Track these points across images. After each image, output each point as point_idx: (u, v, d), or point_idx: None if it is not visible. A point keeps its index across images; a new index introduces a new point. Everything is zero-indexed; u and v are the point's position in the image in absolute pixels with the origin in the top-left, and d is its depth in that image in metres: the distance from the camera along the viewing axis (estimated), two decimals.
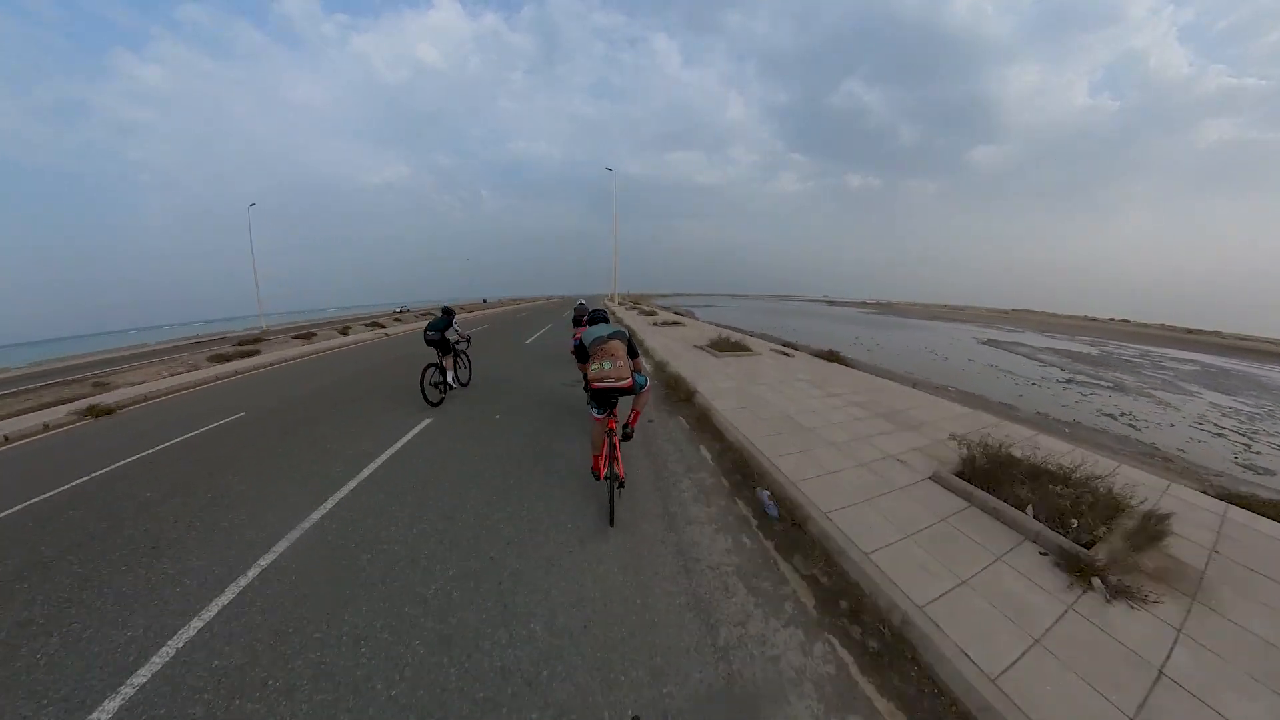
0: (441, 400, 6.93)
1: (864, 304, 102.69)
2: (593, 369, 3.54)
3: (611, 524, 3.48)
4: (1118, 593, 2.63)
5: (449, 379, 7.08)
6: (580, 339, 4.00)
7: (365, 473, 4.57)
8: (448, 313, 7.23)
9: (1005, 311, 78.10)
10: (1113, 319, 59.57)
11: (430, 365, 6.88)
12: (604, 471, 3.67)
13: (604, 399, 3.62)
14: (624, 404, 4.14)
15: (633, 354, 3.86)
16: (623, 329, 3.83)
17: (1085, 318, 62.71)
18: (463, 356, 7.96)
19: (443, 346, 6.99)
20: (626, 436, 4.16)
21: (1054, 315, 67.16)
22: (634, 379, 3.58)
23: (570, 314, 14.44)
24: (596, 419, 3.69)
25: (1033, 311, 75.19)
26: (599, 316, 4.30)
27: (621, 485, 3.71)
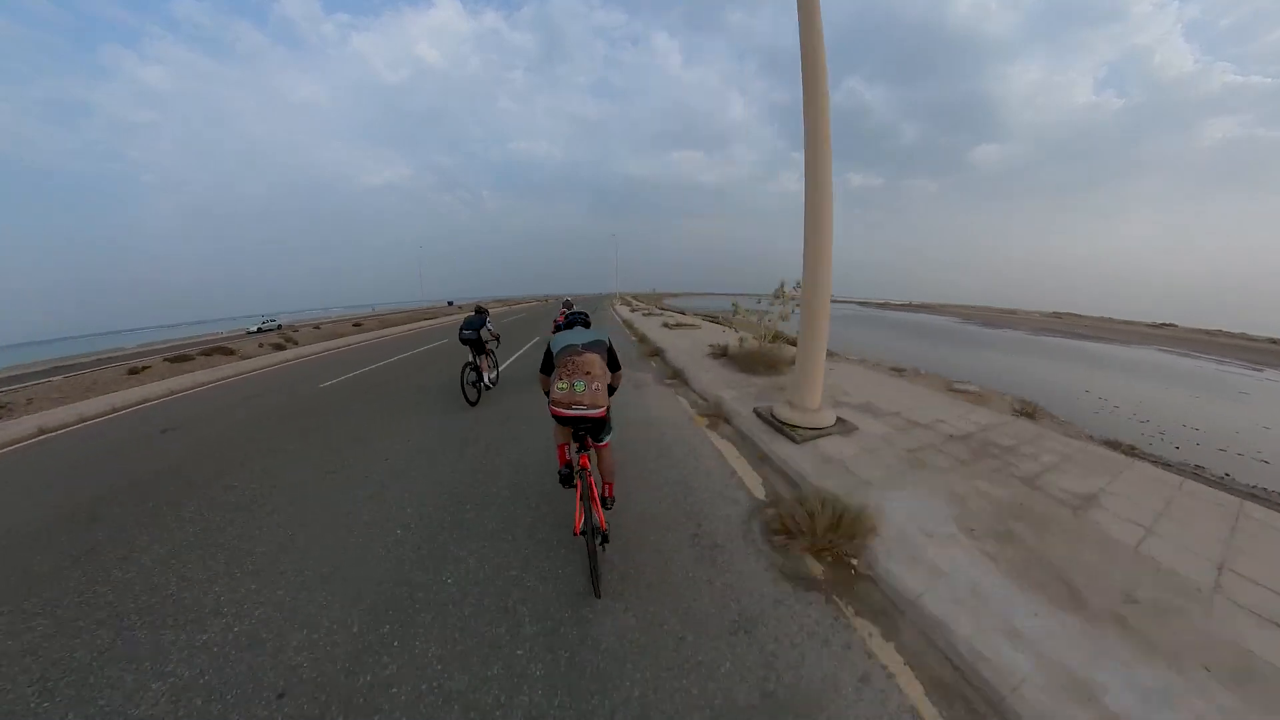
0: (479, 399, 6.87)
1: (909, 306, 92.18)
2: (558, 388, 2.65)
3: (597, 594, 2.50)
4: None
5: (485, 379, 7.19)
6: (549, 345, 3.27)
7: None
8: (481, 311, 7.40)
9: (1059, 315, 70.44)
10: (1164, 324, 53.29)
11: (467, 365, 6.85)
12: (580, 523, 2.56)
13: (575, 429, 2.78)
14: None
15: (613, 365, 2.97)
16: (603, 335, 2.97)
17: (1130, 323, 55.90)
18: (491, 356, 7.74)
19: (477, 346, 7.03)
20: (607, 508, 3.00)
21: (1108, 320, 60.28)
22: (607, 409, 2.75)
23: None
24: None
25: (1081, 316, 68.11)
26: (577, 319, 3.25)
27: (605, 540, 2.67)
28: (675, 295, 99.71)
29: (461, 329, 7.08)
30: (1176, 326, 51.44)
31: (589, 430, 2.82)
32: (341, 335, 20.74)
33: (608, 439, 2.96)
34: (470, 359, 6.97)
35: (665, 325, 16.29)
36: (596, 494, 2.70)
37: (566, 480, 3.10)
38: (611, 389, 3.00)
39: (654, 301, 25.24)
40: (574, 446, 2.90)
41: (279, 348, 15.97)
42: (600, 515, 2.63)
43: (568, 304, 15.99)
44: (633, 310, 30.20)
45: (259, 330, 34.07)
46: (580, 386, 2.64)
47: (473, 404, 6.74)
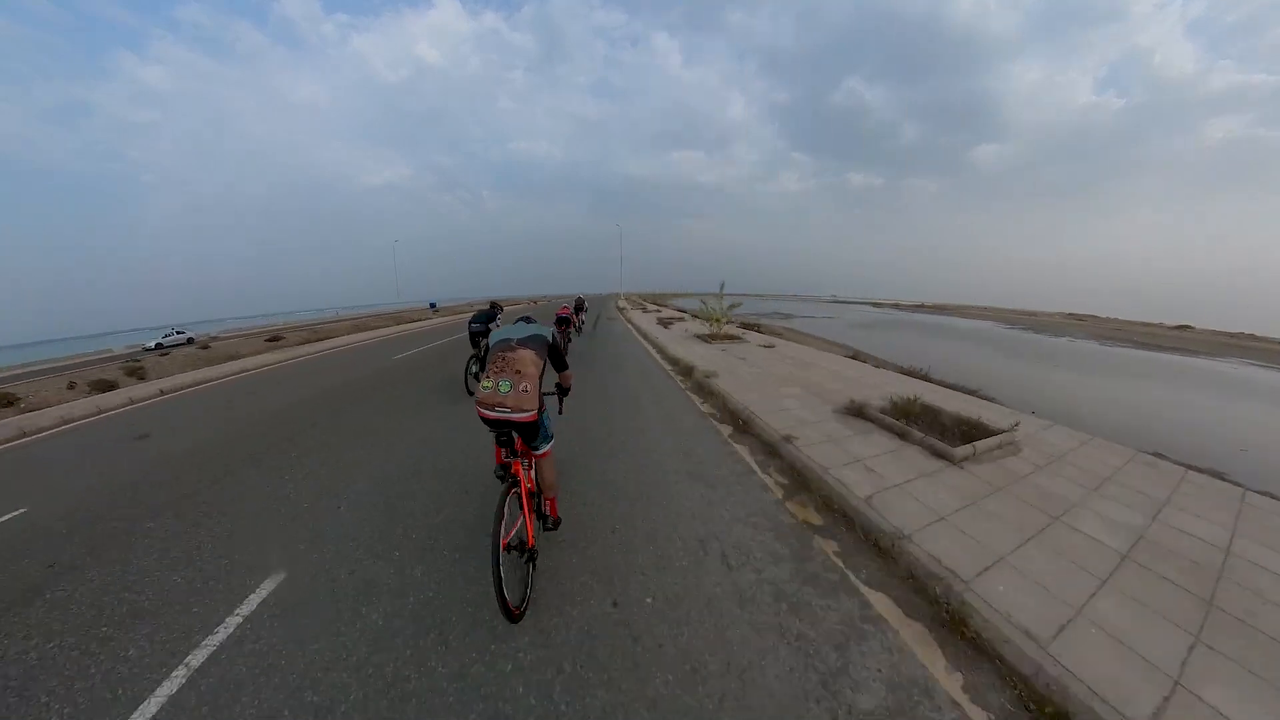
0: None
1: (922, 307, 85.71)
2: (483, 387, 2.39)
3: (514, 617, 2.22)
4: None
5: None
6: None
7: None
8: (495, 307, 7.72)
9: (1079, 318, 68.09)
10: (1182, 326, 50.97)
11: (472, 357, 7.23)
12: (506, 536, 2.29)
13: (499, 433, 2.50)
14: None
15: (559, 364, 2.85)
16: (544, 331, 2.67)
17: (1151, 325, 53.44)
18: None
19: (485, 339, 7.59)
20: (549, 528, 2.90)
21: (1128, 322, 57.30)
22: (539, 413, 2.43)
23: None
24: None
25: (1100, 318, 64.51)
26: (526, 317, 2.96)
27: (533, 558, 2.52)
28: (681, 295, 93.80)
29: (471, 322, 7.46)
30: (1194, 328, 48.77)
31: (520, 435, 2.50)
32: (227, 360, 12.60)
33: (545, 448, 2.70)
34: (475, 352, 7.27)
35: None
36: (529, 504, 2.54)
37: (503, 477, 2.56)
38: (563, 390, 3.02)
39: (712, 318, 13.56)
40: (503, 453, 2.59)
41: (102, 387, 9.35)
42: (530, 529, 2.47)
43: (580, 302, 13.50)
44: (665, 322, 18.68)
45: (157, 347, 26.83)
46: (505, 386, 2.34)
47: (472, 394, 6.89)
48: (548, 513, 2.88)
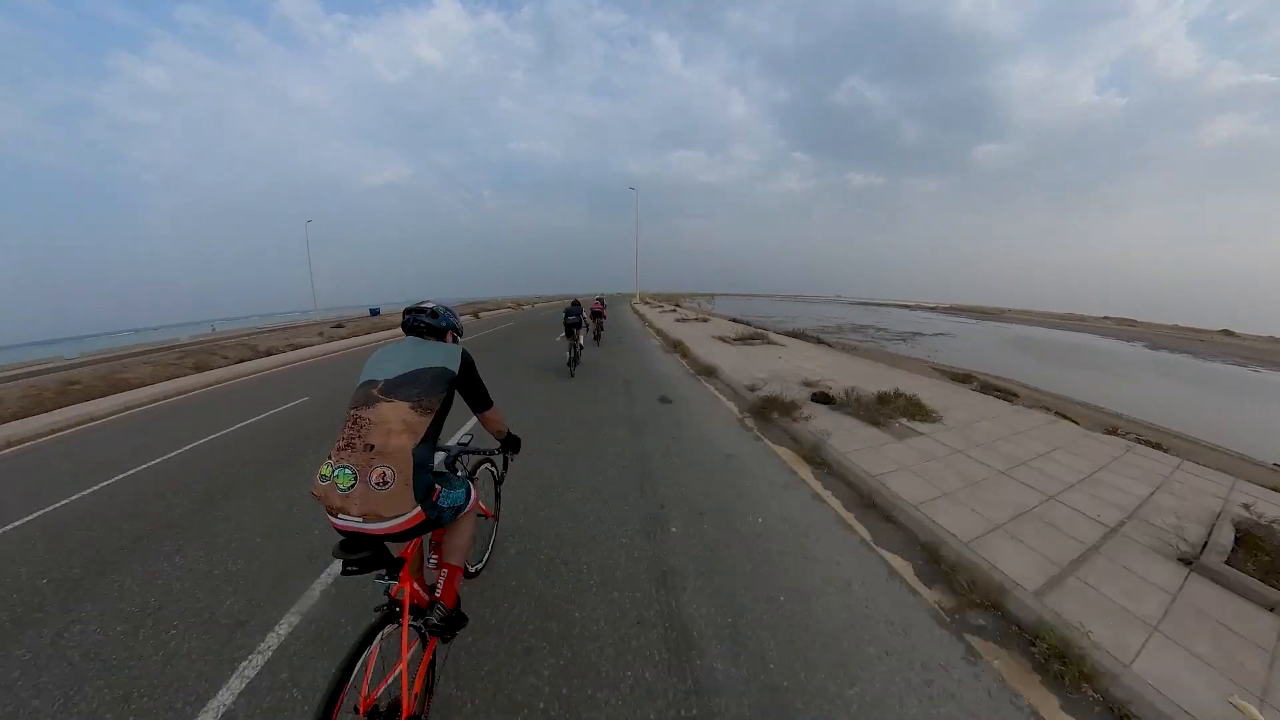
0: (574, 374, 8.70)
1: (955, 309, 78.27)
2: (319, 475, 1.40)
3: None
4: None
5: (578, 355, 9.24)
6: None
7: None
8: (577, 304, 9.41)
9: (1133, 323, 63.86)
10: (1224, 330, 49.07)
11: (571, 344, 8.87)
12: (366, 701, 1.31)
13: (348, 555, 1.43)
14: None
15: (478, 403, 1.79)
16: (447, 359, 1.62)
17: (1200, 331, 51.61)
18: (584, 334, 9.82)
19: (577, 328, 9.08)
20: (435, 623, 1.61)
21: (1193, 330, 54.62)
22: (428, 507, 1.43)
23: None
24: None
25: (1138, 321, 62.55)
26: (413, 323, 1.77)
27: None
28: (691, 295, 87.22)
29: (566, 315, 9.01)
30: (1235, 334, 46.62)
31: (382, 547, 1.43)
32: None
33: (466, 511, 1.67)
34: (571, 339, 8.97)
35: None
36: (419, 638, 1.52)
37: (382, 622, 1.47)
38: (508, 444, 2.04)
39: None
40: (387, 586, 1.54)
41: None
42: (417, 683, 1.42)
43: (600, 301, 13.48)
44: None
45: None
46: (346, 479, 1.32)
47: (571, 377, 8.46)
48: (438, 597, 1.62)
